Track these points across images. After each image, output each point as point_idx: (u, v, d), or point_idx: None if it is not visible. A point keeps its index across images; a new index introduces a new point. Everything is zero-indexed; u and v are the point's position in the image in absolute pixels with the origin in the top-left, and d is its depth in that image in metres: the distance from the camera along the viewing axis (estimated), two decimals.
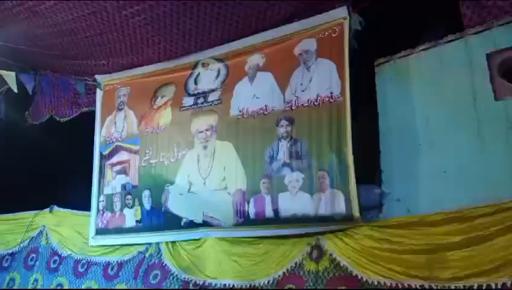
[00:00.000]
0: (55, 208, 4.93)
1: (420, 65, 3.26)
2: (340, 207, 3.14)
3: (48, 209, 4.95)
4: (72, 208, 4.83)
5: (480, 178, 2.78)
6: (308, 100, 3.49)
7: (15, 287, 4.68)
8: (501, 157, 2.74)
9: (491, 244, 2.50)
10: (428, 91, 3.17)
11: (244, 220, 3.58)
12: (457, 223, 2.67)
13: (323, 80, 3.46)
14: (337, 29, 3.50)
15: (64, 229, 4.72)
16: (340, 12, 3.50)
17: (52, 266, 4.59)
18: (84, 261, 4.42)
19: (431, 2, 3.44)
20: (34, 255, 4.76)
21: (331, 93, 3.39)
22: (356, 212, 3.07)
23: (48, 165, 5.19)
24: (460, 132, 2.95)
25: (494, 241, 2.49)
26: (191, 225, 3.85)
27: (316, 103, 3.45)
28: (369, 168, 3.36)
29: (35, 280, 4.62)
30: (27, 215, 4.99)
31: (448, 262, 2.60)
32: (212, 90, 4.10)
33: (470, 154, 2.87)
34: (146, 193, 4.20)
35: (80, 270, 4.41)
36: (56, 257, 4.60)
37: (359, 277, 2.89)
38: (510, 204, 2.52)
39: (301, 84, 3.57)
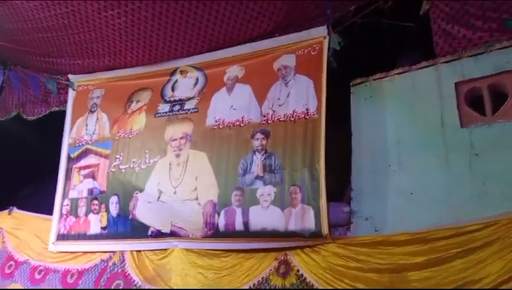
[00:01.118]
0: (15, 210, 4.79)
1: (394, 88, 3.38)
2: (310, 223, 3.19)
3: (6, 211, 4.80)
4: (34, 211, 4.71)
5: (444, 201, 2.90)
6: (284, 115, 3.57)
7: None
8: (464, 182, 2.88)
9: (451, 266, 2.61)
10: (400, 114, 3.30)
11: (213, 232, 3.58)
12: (421, 244, 2.77)
13: (300, 96, 3.54)
14: (316, 48, 3.60)
15: (23, 232, 4.60)
16: (321, 31, 3.61)
17: (7, 271, 4.45)
18: (41, 267, 4.30)
19: (407, 29, 3.62)
20: None
21: (307, 109, 3.47)
22: (325, 230, 3.13)
23: (11, 164, 5.03)
24: (428, 155, 3.07)
25: (454, 263, 2.61)
26: (158, 234, 3.83)
27: (292, 118, 3.52)
28: (340, 186, 3.46)
29: None
30: None
31: (410, 282, 2.70)
32: (189, 99, 4.12)
33: (436, 177, 2.99)
34: (114, 199, 4.16)
35: (37, 277, 4.28)
36: (12, 262, 4.47)
37: None
38: (469, 228, 2.65)
39: (279, 98, 3.64)
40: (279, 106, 3.62)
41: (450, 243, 2.66)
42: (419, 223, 2.88)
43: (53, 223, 4.41)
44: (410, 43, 3.80)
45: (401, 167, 3.17)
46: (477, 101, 3.06)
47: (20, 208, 4.79)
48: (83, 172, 4.45)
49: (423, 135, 3.14)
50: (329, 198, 3.22)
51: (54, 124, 4.83)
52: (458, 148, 2.97)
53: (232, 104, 3.86)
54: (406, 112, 3.28)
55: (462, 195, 2.84)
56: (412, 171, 3.11)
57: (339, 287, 2.92)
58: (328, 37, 3.54)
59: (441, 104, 3.13)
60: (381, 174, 3.22)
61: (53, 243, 4.36)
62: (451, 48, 3.23)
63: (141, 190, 4.02)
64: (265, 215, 3.39)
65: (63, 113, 4.82)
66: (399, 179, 3.14)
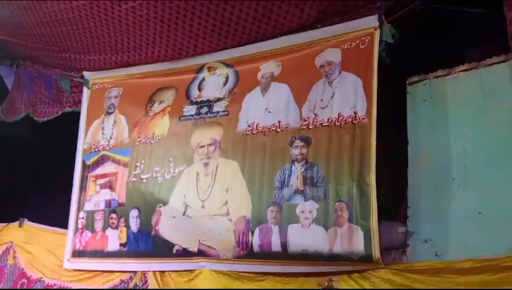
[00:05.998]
0: (26, 221, 5.11)
1: (458, 88, 3.39)
2: (359, 245, 3.24)
3: (17, 223, 5.11)
4: (46, 224, 5.01)
5: None
6: (328, 119, 3.61)
7: None
8: None
9: None
10: (467, 119, 3.31)
11: (246, 252, 3.72)
12: (491, 272, 2.77)
13: (347, 97, 3.57)
14: (366, 40, 3.60)
15: (36, 247, 4.91)
16: (371, 22, 3.60)
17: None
18: (56, 286, 4.57)
19: (475, 17, 3.61)
20: None
21: (355, 112, 3.50)
22: (376, 253, 3.16)
23: (21, 171, 5.37)
24: (500, 168, 3.07)
25: None
26: (185, 253, 4.01)
27: (337, 123, 3.56)
28: (394, 203, 3.50)
29: None
30: None
31: None
32: (218, 100, 4.27)
33: (510, 194, 2.98)
34: (134, 213, 4.37)
35: None
36: (24, 280, 4.78)
37: None
38: None
39: (321, 100, 3.69)
40: (322, 108, 3.67)
41: None
42: (488, 248, 2.90)
43: (68, 238, 4.70)
44: (478, 34, 3.76)
45: (467, 181, 3.18)
46: None
47: (32, 220, 5.09)
48: (99, 181, 4.70)
49: (495, 143, 3.14)
50: (382, 217, 3.24)
51: (67, 126, 5.08)
52: None
53: (267, 106, 3.97)
54: (473, 116, 3.29)
55: None
56: (481, 186, 3.12)
57: None
58: (379, 28, 3.54)
59: None
60: (444, 189, 3.25)
61: (68, 259, 4.65)
62: None
63: (165, 203, 4.21)
64: (306, 235, 3.48)
65: (77, 115, 5.05)
66: (465, 196, 3.16)
